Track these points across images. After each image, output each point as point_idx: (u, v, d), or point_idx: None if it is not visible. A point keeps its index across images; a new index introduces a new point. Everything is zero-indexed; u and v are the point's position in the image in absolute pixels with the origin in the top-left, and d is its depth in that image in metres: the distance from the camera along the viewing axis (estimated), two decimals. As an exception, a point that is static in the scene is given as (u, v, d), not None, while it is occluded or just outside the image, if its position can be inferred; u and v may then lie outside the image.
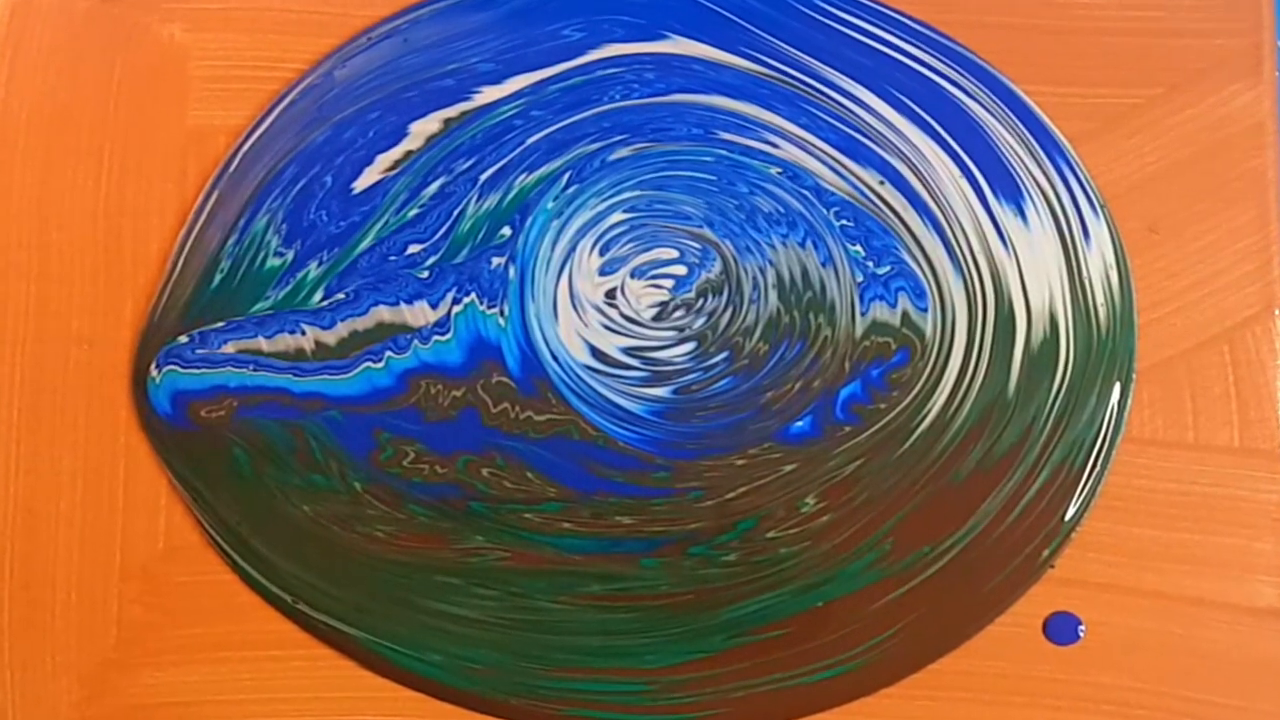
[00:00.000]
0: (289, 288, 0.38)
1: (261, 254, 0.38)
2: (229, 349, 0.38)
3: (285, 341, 0.38)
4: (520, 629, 0.37)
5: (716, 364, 0.38)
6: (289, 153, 0.38)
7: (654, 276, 0.39)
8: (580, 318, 0.38)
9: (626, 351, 0.38)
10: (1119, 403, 0.38)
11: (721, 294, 0.38)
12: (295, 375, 0.38)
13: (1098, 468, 0.38)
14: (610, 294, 0.38)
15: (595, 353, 0.38)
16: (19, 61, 0.39)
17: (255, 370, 0.38)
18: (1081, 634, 0.37)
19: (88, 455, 0.38)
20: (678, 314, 0.38)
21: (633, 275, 0.39)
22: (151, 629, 0.37)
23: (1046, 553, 0.37)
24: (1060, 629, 0.37)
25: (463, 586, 0.37)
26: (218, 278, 0.38)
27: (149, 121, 0.39)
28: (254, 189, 0.38)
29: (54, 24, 0.40)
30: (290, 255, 0.38)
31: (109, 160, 0.39)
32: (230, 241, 0.38)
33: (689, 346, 0.38)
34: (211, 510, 0.38)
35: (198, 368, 0.38)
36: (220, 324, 0.38)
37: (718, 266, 0.38)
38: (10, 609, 0.37)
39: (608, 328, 0.38)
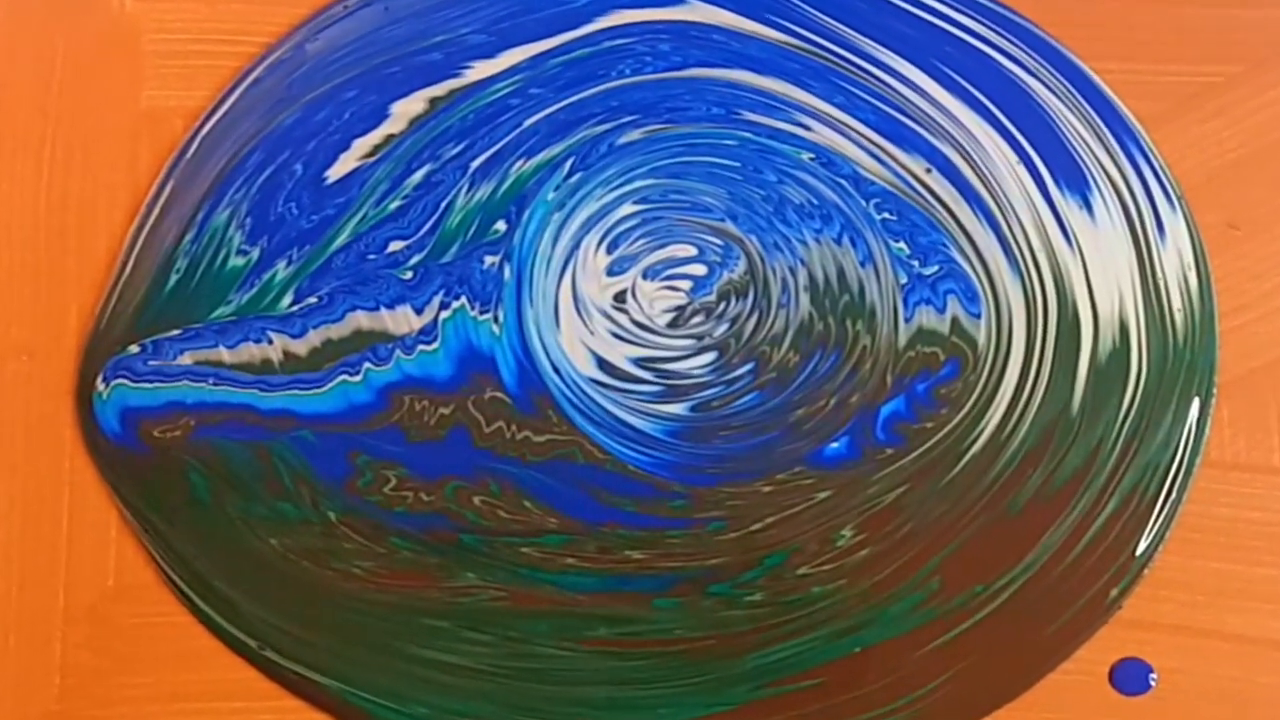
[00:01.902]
0: (254, 290, 0.36)
1: (223, 252, 0.36)
2: (186, 360, 0.35)
3: (250, 351, 0.35)
4: (517, 678, 0.35)
5: (740, 377, 0.36)
6: (254, 137, 0.36)
7: (669, 277, 0.36)
8: (585, 324, 0.36)
9: (638, 363, 0.36)
10: (1198, 421, 0.36)
11: (746, 297, 0.36)
12: (261, 390, 0.35)
13: (1173, 496, 0.36)
14: (619, 297, 0.36)
15: (602, 364, 0.36)
16: (-50, 35, 0.37)
17: (215, 384, 0.35)
18: (1153, 683, 0.35)
19: (27, 480, 0.36)
20: (696, 320, 0.36)
21: (645, 276, 0.36)
22: (99, 677, 0.35)
23: (1115, 592, 0.35)
24: (1129, 677, 0.35)
25: (452, 630, 0.35)
26: (173, 279, 0.36)
27: (97, 103, 0.37)
28: (214, 178, 0.36)
29: (-10, -8, 0.38)
30: (255, 253, 0.36)
31: (51, 147, 0.37)
32: (187, 238, 0.36)
33: (709, 357, 0.36)
34: (166, 544, 0.35)
35: (150, 381, 0.35)
36: (176, 332, 0.36)
37: (742, 266, 0.36)
38: (-60, 654, 0.35)
39: (616, 336, 0.36)
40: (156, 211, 0.36)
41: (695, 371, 0.36)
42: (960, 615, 0.35)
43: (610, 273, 0.36)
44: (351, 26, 0.37)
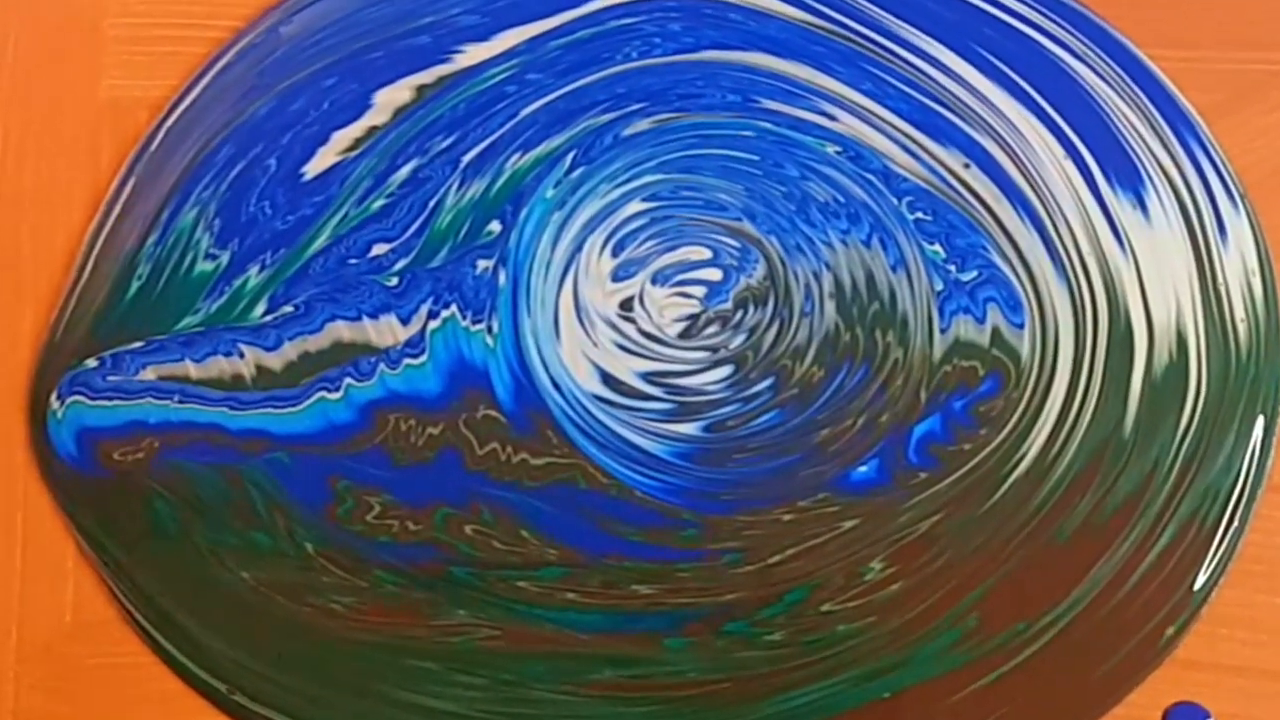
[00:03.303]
0: (224, 298, 0.33)
1: (189, 255, 0.33)
2: (149, 375, 0.32)
3: (219, 366, 0.32)
4: None
5: (759, 394, 0.32)
6: (224, 129, 0.33)
7: (681, 283, 0.33)
8: (588, 335, 0.33)
9: (646, 378, 0.32)
10: (1262, 442, 0.32)
11: (766, 305, 0.33)
12: (231, 408, 0.32)
13: (1235, 524, 0.32)
14: (626, 305, 0.33)
15: (607, 379, 0.32)
16: (-105, 20, 0.34)
17: (181, 402, 0.32)
18: None
19: None
20: (710, 330, 0.33)
21: (654, 281, 0.33)
22: None
23: (1171, 631, 0.31)
24: None
25: (441, 673, 0.31)
26: (135, 285, 0.33)
27: (54, 93, 0.34)
28: (180, 174, 0.33)
29: (-63, -27, 0.35)
30: (225, 257, 0.33)
31: (4, 141, 0.33)
32: (150, 240, 0.33)
33: (724, 371, 0.33)
34: (128, 577, 0.32)
35: (109, 398, 0.32)
36: (138, 344, 0.32)
37: (761, 270, 0.33)
38: (-117, 696, 0.32)
39: (622, 348, 0.33)
40: (117, 211, 0.33)
41: (709, 387, 0.32)
42: (1001, 656, 0.31)
43: (616, 278, 0.33)
44: (330, 8, 0.34)
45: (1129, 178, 0.33)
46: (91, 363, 0.32)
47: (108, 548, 0.32)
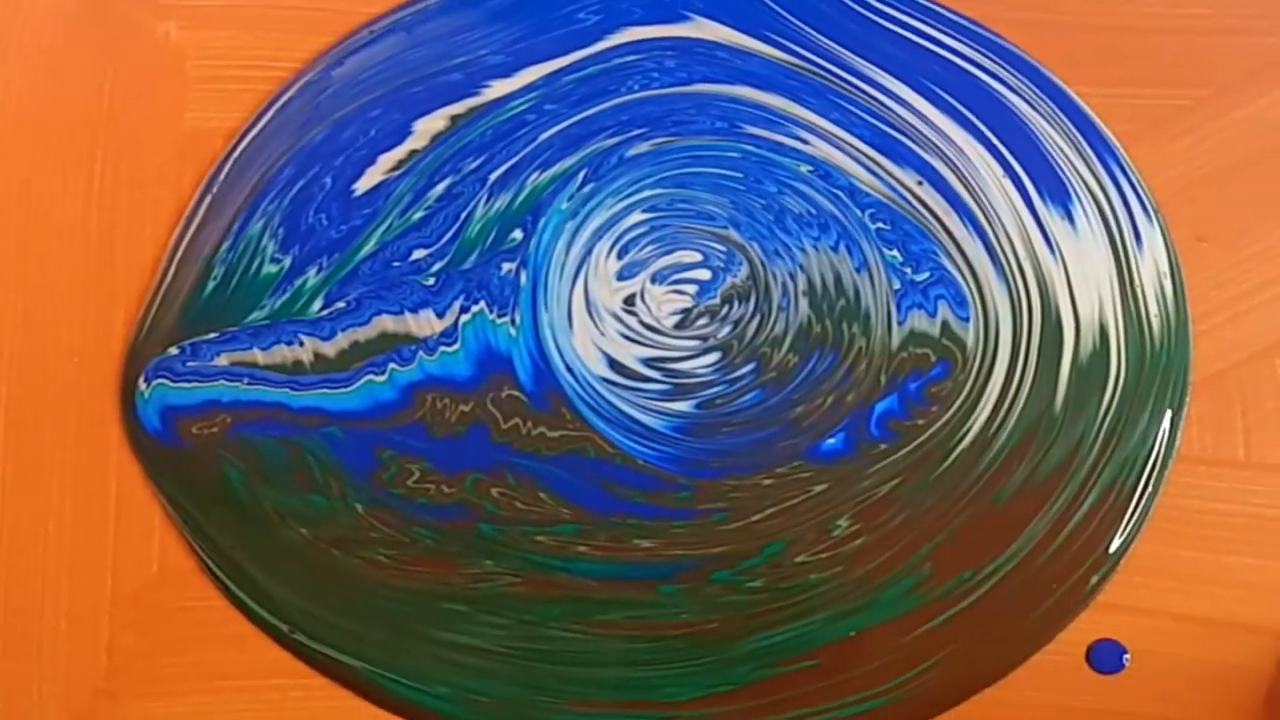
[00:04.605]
0: (286, 296, 0.32)
1: (257, 260, 0.32)
2: (222, 361, 0.32)
3: (282, 353, 0.32)
4: (532, 659, 0.31)
5: (743, 376, 0.32)
6: (286, 153, 0.33)
7: (676, 282, 0.33)
8: (597, 326, 0.32)
9: (646, 363, 0.32)
10: (1172, 419, 0.32)
11: (748, 301, 0.32)
12: (292, 389, 0.32)
13: (1149, 489, 0.32)
14: (629, 301, 0.33)
15: (613, 364, 0.32)
16: (6, 62, 0.33)
17: (250, 384, 0.32)
18: (1126, 662, 0.31)
19: (77, 475, 0.32)
20: (701, 322, 0.33)
21: (653, 280, 0.33)
22: (144, 657, 0.32)
23: (1095, 580, 0.31)
24: (1104, 657, 0.31)
25: (471, 614, 0.31)
26: (210, 285, 0.32)
27: (144, 124, 0.33)
28: (249, 191, 0.33)
29: (43, 22, 0.34)
30: (287, 261, 0.32)
31: (101, 166, 0.33)
32: (224, 247, 0.32)
33: (713, 357, 0.32)
34: (203, 533, 0.32)
35: (188, 381, 0.32)
36: (213, 335, 0.32)
37: (744, 271, 0.33)
38: (-5, 635, 0.32)
39: (626, 337, 0.32)
40: (196, 223, 0.32)
41: (700, 371, 0.32)
42: (949, 601, 0.31)
43: (620, 277, 0.32)
44: (376, 50, 0.33)
45: (1058, 194, 0.32)
46: (173, 351, 0.32)
47: (187, 509, 0.32)
